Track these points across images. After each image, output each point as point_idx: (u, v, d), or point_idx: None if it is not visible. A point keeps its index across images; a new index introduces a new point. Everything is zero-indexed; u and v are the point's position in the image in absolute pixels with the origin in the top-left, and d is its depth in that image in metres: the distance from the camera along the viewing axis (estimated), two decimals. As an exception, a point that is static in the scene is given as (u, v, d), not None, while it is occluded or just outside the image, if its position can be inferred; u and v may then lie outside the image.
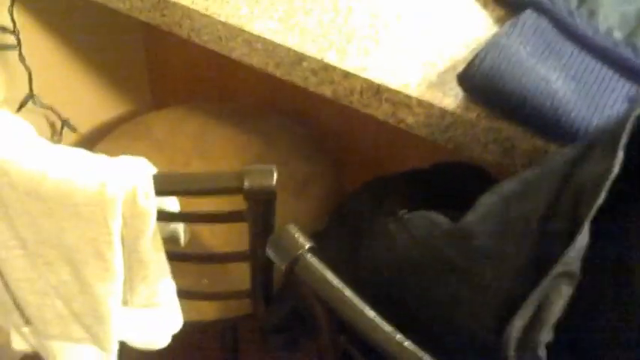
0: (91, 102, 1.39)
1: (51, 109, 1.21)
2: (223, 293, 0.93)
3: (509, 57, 0.71)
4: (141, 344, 0.83)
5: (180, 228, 0.82)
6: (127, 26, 1.41)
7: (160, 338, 0.83)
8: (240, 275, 0.92)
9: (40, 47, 1.22)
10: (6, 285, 0.75)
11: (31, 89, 1.16)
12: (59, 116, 1.22)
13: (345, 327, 0.63)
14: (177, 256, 0.79)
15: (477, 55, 0.71)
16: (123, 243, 0.68)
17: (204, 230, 0.96)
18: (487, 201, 0.61)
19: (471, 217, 0.60)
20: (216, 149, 1.13)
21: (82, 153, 0.68)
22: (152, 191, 0.65)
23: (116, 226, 0.66)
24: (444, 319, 0.60)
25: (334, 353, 0.68)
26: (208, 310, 0.96)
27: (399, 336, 0.57)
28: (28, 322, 0.78)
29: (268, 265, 0.85)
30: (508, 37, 0.74)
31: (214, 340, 1.20)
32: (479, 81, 0.71)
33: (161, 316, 0.77)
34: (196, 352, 1.37)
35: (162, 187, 0.66)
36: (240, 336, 1.15)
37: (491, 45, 0.72)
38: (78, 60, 1.32)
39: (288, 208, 0.82)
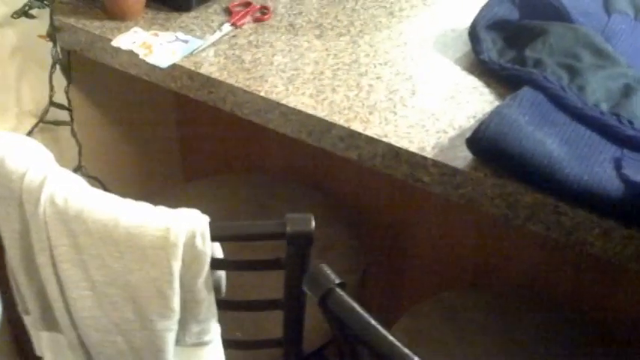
0: (128, 173, 1.52)
1: (96, 179, 1.33)
2: (256, 342, 1.01)
3: (510, 124, 0.83)
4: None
5: (223, 277, 0.92)
6: (163, 106, 1.56)
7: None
8: (272, 327, 1.00)
9: (89, 124, 1.36)
10: (73, 324, 0.84)
11: (79, 161, 1.29)
12: (103, 186, 1.34)
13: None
14: (218, 303, 0.89)
15: (482, 123, 0.84)
16: (181, 283, 0.78)
17: (238, 284, 1.05)
18: None
19: None
20: (244, 215, 1.25)
21: (144, 204, 0.79)
22: (208, 236, 0.76)
23: (176, 267, 0.76)
24: None
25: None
26: (240, 360, 1.04)
27: (417, 358, 0.66)
28: (90, 359, 0.87)
29: (300, 313, 0.95)
30: (509, 108, 0.86)
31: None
32: (485, 144, 0.83)
33: (208, 356, 0.86)
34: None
35: (217, 233, 0.77)
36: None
37: (495, 114, 0.85)
38: (120, 135, 1.47)
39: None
